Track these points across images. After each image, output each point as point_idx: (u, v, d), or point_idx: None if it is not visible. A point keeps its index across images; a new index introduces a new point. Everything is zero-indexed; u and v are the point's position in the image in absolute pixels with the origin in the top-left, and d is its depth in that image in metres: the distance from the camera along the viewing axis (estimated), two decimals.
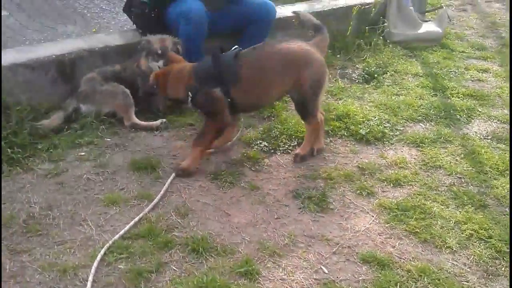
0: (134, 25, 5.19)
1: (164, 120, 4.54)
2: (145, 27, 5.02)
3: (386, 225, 3.52)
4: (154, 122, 4.52)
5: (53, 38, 5.66)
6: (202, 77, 3.87)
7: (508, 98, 5.28)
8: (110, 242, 3.15)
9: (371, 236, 3.41)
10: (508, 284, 3.09)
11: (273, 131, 4.47)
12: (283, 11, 5.87)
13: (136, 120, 4.50)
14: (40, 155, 3.99)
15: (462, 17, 7.99)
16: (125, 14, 5.34)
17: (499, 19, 7.94)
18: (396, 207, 3.65)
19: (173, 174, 3.85)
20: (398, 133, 4.58)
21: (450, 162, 4.20)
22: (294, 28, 5.79)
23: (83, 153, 4.10)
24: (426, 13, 7.40)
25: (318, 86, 3.95)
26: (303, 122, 4.20)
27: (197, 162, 3.96)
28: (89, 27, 6.10)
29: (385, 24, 6.45)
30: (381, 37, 6.41)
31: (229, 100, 3.86)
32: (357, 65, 5.94)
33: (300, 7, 6.07)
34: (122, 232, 3.24)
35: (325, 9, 6.20)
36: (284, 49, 3.92)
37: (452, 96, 5.29)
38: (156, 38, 4.63)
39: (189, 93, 3.89)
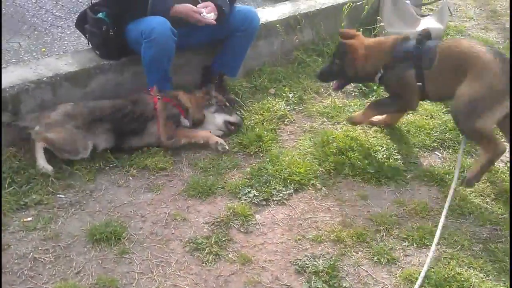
0: (90, 45, 4.30)
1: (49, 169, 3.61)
2: (102, 47, 4.15)
3: None
4: (43, 166, 3.60)
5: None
6: (400, 56, 3.71)
7: None
8: None
9: None
10: None
11: (263, 175, 3.66)
12: (265, 15, 5.04)
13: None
14: None
15: (459, 6, 7.19)
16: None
17: (500, 7, 7.17)
18: (426, 280, 2.91)
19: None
20: (412, 167, 3.84)
21: (480, 208, 3.47)
22: (279, 35, 5.01)
23: (29, 219, 3.27)
24: (423, 6, 6.58)
25: None
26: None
27: (367, 120, 4.06)
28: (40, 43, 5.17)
29: (381, 24, 5.63)
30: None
31: (419, 84, 3.68)
32: None
33: (283, 8, 5.28)
34: None
35: (312, 10, 5.35)
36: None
37: None
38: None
39: (381, 70, 3.77)
